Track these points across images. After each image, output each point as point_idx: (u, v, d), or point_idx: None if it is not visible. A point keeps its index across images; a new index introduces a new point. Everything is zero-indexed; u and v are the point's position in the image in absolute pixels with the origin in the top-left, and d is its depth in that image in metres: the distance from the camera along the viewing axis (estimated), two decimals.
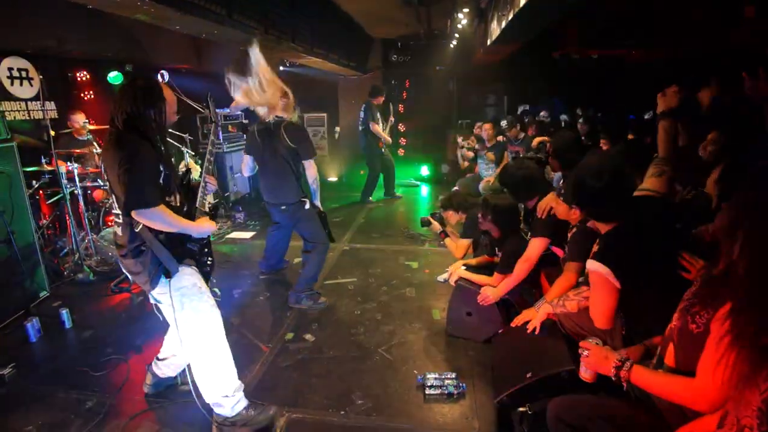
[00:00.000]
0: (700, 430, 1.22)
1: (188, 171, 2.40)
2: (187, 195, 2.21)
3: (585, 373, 1.67)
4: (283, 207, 3.45)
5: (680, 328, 1.35)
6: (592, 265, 1.83)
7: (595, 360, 1.57)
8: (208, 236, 2.24)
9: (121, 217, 2.01)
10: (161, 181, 1.97)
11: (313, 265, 3.53)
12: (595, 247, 1.89)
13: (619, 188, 1.83)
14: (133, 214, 1.88)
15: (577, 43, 5.91)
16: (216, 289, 2.22)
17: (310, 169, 3.38)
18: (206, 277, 2.23)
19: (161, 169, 1.97)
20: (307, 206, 3.40)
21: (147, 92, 1.97)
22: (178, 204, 2.11)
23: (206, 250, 2.23)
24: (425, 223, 3.54)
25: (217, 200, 2.40)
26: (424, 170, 8.52)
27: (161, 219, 1.92)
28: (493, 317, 2.91)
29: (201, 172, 2.31)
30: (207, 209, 2.22)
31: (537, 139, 5.53)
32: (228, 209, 5.98)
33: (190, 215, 2.14)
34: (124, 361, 2.83)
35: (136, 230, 1.96)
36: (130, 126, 1.94)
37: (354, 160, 8.59)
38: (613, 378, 1.48)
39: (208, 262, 2.25)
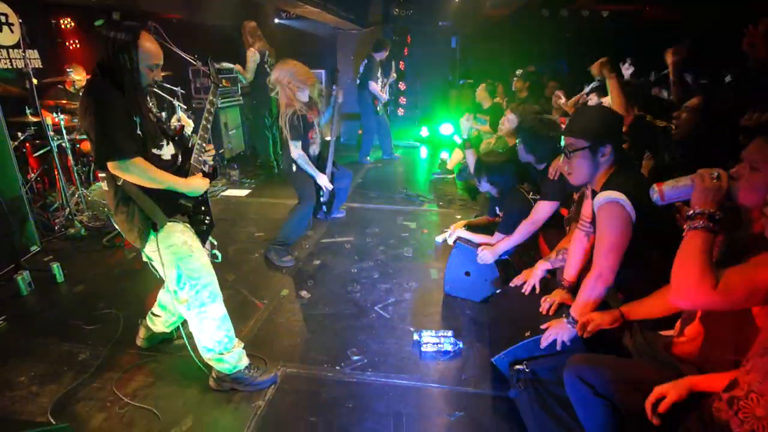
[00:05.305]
0: (712, 383, 1.20)
1: (183, 126, 2.25)
2: (183, 150, 2.09)
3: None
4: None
5: None
6: (602, 196, 1.73)
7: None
8: (205, 194, 2.14)
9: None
10: (139, 131, 1.86)
11: (288, 222, 3.57)
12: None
13: None
14: (110, 167, 1.79)
15: None
16: (216, 252, 2.15)
17: (292, 149, 3.46)
18: (203, 237, 2.15)
19: (134, 119, 1.84)
20: (294, 169, 3.53)
21: (118, 36, 1.84)
22: (170, 158, 2.01)
23: (203, 208, 2.13)
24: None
25: (216, 161, 2.25)
26: (424, 131, 8.31)
27: (140, 172, 1.83)
28: (492, 277, 2.88)
29: (194, 128, 2.16)
30: (204, 168, 2.10)
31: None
32: (222, 167, 5.86)
33: (184, 171, 2.03)
34: (118, 315, 2.79)
35: (119, 183, 1.88)
36: (105, 72, 1.84)
37: (352, 120, 8.35)
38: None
39: (206, 221, 2.15)
